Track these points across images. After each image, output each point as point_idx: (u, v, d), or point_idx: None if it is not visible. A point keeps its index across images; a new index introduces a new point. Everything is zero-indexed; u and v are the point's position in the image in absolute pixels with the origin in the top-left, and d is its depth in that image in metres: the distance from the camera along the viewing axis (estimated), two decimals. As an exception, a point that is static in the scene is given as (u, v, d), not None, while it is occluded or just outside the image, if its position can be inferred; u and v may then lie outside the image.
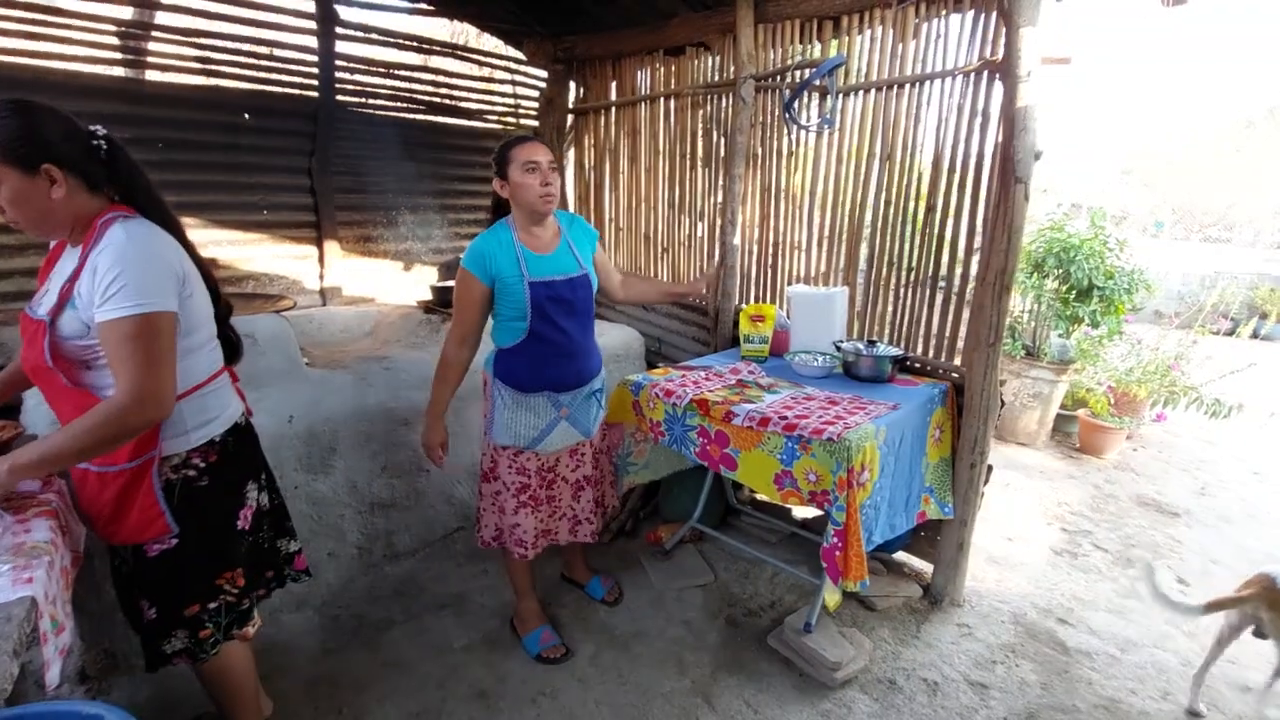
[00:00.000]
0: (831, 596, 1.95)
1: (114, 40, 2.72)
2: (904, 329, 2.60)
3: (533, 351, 1.93)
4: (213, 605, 1.46)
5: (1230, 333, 5.65)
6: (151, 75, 2.87)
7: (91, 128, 1.26)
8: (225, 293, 1.54)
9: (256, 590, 1.63)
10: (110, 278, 1.18)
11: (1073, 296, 4.05)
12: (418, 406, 2.58)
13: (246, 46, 3.00)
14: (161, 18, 2.86)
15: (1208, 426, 4.31)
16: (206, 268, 1.44)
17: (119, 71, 2.78)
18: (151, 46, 2.83)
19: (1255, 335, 6.44)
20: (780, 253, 2.97)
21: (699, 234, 3.30)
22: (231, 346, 1.56)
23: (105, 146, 1.27)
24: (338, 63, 3.21)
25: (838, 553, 1.86)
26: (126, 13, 2.78)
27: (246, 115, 3.05)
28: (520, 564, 2.15)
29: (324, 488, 2.34)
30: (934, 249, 2.45)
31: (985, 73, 2.20)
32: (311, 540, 2.32)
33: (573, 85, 3.83)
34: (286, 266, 3.30)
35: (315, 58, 3.15)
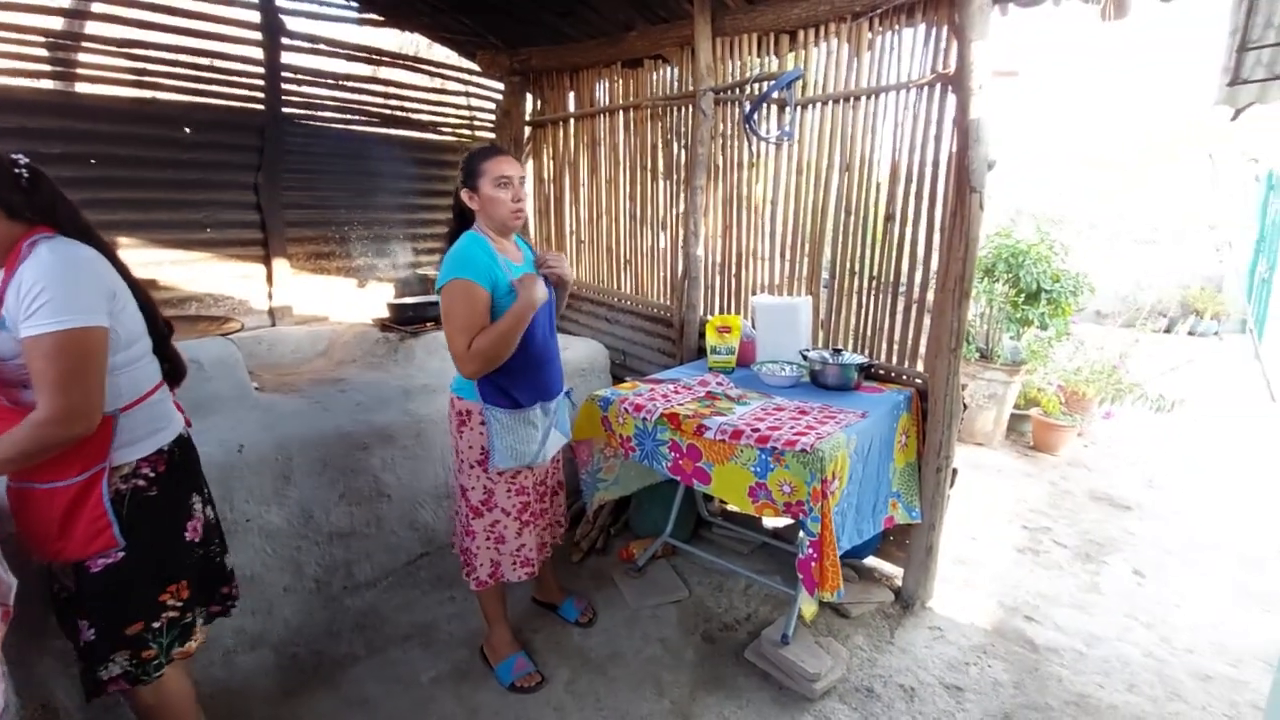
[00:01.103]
0: (808, 608, 1.93)
1: (42, 52, 2.57)
2: (868, 336, 2.63)
3: (523, 364, 1.87)
4: (155, 624, 1.43)
5: (1168, 330, 5.95)
6: (83, 88, 2.72)
7: (14, 155, 1.25)
8: (166, 315, 1.53)
9: (209, 605, 1.61)
10: (35, 292, 1.18)
11: (1022, 300, 4.19)
12: (377, 429, 2.49)
13: (186, 58, 2.88)
14: (93, 28, 2.71)
15: (1153, 421, 4.50)
16: (141, 288, 1.43)
17: (47, 84, 2.63)
18: (83, 58, 2.68)
19: (1191, 332, 6.79)
20: (744, 263, 2.97)
21: (661, 245, 3.29)
22: (174, 364, 1.54)
23: (27, 175, 1.25)
24: (284, 74, 3.11)
25: (814, 563, 1.86)
26: (56, 23, 2.63)
27: (187, 129, 2.92)
28: (493, 590, 2.07)
29: (278, 519, 2.22)
30: (894, 257, 2.49)
31: (938, 85, 2.25)
32: (265, 575, 2.20)
33: (530, 97, 3.79)
34: (233, 286, 3.16)
35: (260, 69, 3.04)
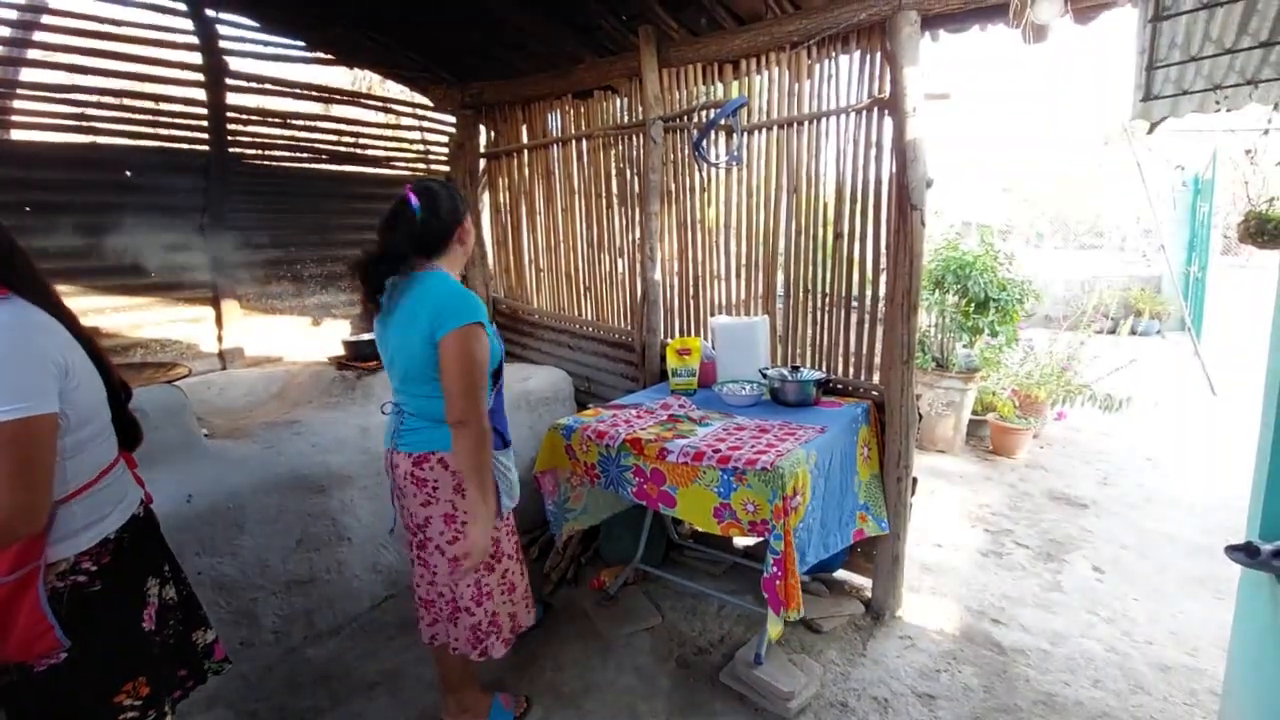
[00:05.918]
0: (774, 628, 1.93)
1: (-31, 99, 2.50)
2: (824, 351, 2.68)
3: (499, 405, 1.82)
4: None
5: (1112, 331, 6.19)
6: (18, 134, 2.65)
7: None
8: (116, 365, 1.40)
9: (170, 693, 1.46)
10: None
11: (972, 309, 4.33)
12: (333, 471, 2.43)
13: (127, 101, 2.82)
14: (29, 74, 2.65)
15: (1102, 420, 4.66)
16: (97, 349, 1.31)
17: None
18: (17, 104, 2.61)
19: (1133, 332, 7.09)
20: (701, 284, 3.02)
21: (619, 270, 3.32)
22: (129, 431, 1.42)
23: None
24: (229, 114, 3.07)
25: (778, 582, 1.86)
26: (-17, 69, 2.57)
27: (129, 172, 2.85)
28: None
29: (231, 570, 2.14)
30: (845, 273, 2.55)
31: (876, 109, 2.34)
32: (221, 630, 2.08)
33: (483, 129, 3.81)
34: (180, 330, 3.07)
35: (204, 110, 3.00)
